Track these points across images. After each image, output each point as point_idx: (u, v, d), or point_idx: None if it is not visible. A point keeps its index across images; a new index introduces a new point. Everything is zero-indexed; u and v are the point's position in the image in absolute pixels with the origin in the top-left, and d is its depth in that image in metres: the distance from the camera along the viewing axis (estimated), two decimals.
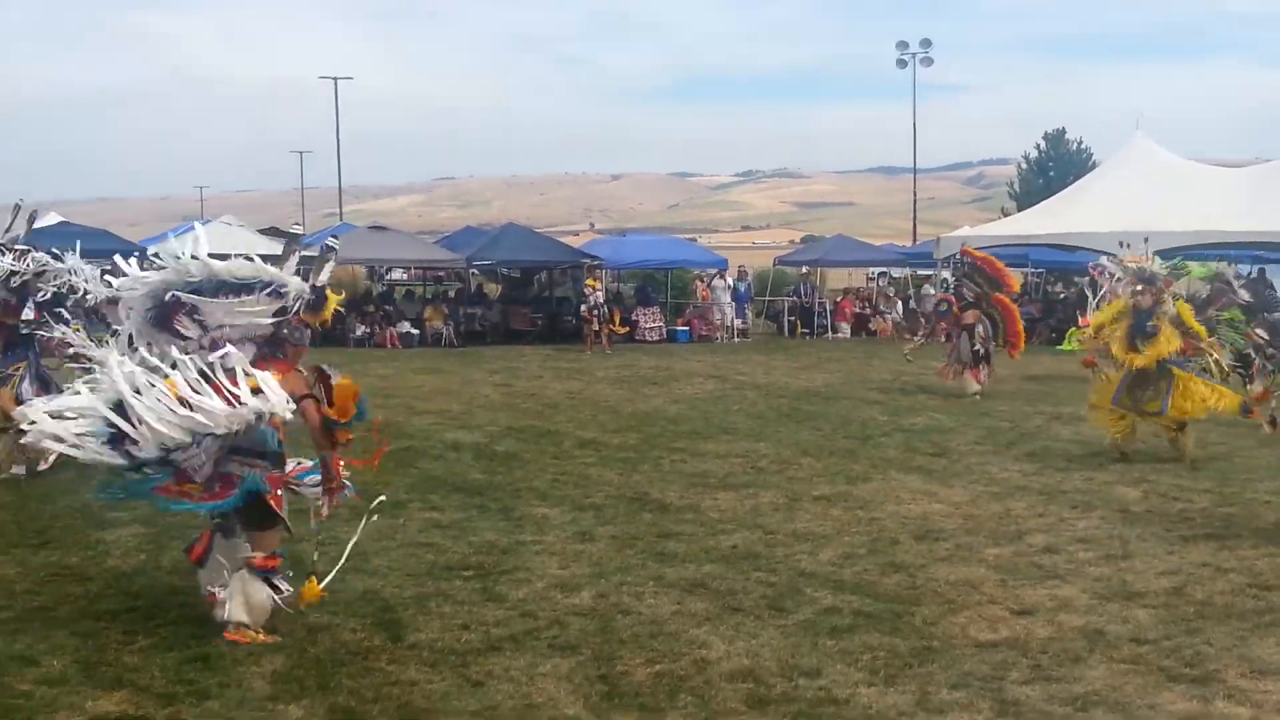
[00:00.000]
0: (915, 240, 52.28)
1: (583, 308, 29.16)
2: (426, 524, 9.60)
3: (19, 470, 11.12)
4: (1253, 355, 10.23)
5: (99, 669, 6.24)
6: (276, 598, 6.83)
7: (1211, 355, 12.69)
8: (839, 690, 6.01)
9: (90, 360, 7.02)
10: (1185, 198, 28.83)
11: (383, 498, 7.92)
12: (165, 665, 6.29)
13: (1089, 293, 15.92)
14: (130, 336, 7.00)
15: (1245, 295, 12.86)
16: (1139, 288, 12.64)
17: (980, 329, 18.91)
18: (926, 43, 54.33)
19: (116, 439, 6.41)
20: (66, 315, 10.73)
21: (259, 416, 6.46)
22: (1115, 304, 13.15)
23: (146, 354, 6.71)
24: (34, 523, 9.58)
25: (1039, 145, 59.30)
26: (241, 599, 6.75)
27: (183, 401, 6.32)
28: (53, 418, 6.54)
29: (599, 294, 29.35)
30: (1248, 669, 6.30)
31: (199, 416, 6.31)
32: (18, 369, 11.25)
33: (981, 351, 18.71)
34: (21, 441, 10.72)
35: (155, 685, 6.02)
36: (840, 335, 34.08)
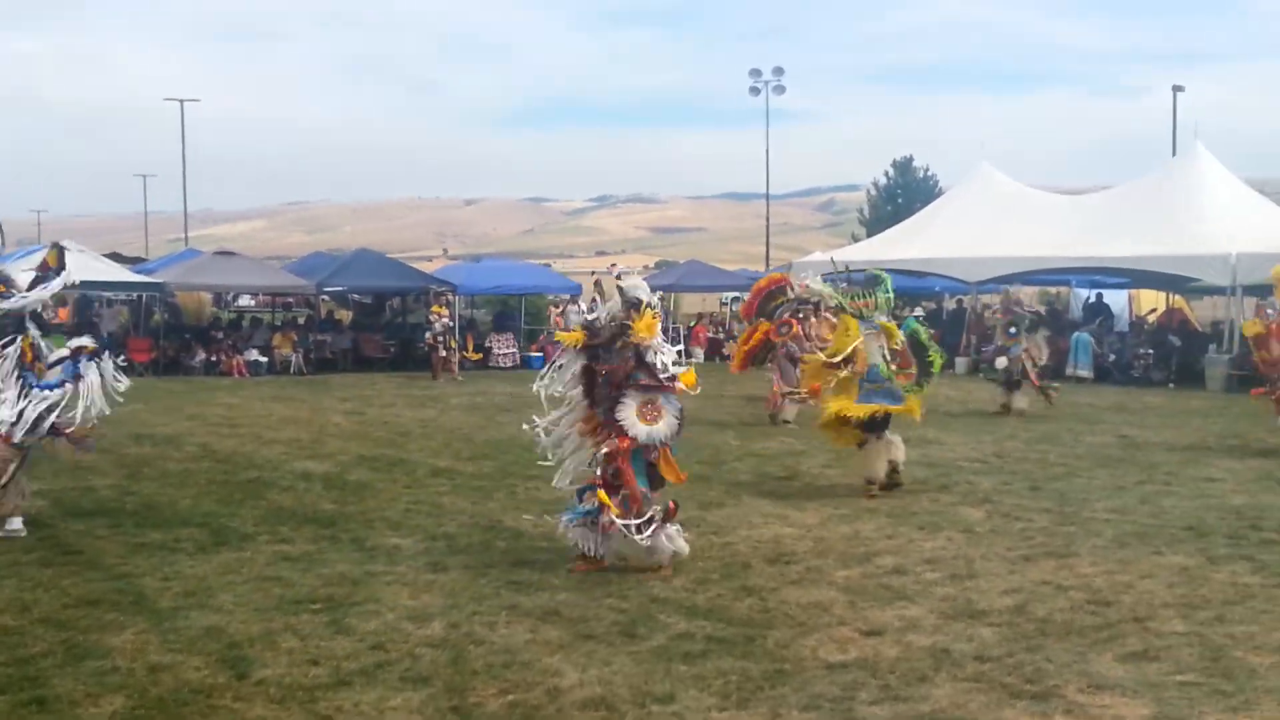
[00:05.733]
0: (768, 265, 52.96)
1: (427, 335, 28.89)
2: (275, 556, 9.41)
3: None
4: None
5: None
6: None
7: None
8: (691, 715, 6.02)
9: None
10: (1026, 224, 29.83)
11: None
12: None
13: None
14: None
15: None
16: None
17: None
18: (779, 71, 55.13)
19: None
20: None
21: None
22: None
23: None
24: None
25: (888, 173, 60.61)
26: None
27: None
28: None
29: (444, 320, 29.06)
30: (1086, 684, 6.47)
31: None
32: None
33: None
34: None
35: None
36: (694, 360, 34.22)
